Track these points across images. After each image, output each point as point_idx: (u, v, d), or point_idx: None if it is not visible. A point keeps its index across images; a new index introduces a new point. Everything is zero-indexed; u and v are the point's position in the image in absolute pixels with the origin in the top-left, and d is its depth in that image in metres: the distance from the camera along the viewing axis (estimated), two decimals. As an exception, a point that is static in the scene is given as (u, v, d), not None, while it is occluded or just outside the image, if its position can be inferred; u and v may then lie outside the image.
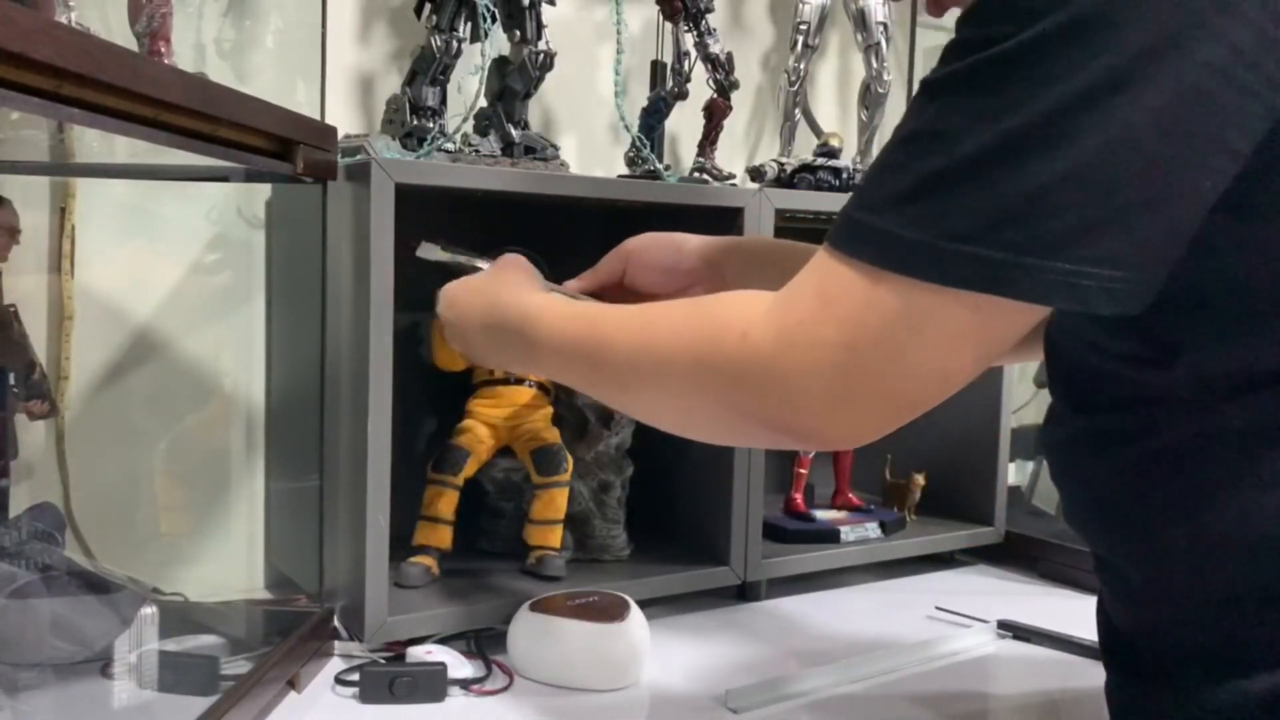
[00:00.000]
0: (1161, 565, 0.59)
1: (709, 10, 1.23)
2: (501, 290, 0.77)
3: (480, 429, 1.13)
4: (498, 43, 1.11)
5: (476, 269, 0.89)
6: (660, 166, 1.22)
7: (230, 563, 1.20)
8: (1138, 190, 0.46)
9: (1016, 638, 1.08)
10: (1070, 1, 0.46)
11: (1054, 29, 0.46)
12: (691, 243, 0.90)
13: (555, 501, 1.12)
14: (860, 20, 1.38)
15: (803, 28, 1.37)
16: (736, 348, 0.54)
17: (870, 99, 1.41)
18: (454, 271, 0.90)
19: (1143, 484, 0.58)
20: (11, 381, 0.99)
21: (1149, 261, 0.48)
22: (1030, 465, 1.53)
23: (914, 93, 0.52)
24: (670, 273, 0.90)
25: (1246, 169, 0.48)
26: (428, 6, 1.10)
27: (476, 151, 1.09)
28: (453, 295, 0.82)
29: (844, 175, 1.28)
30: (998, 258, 0.47)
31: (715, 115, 1.29)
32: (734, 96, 1.28)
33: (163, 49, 0.86)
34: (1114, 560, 0.62)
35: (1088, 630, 1.05)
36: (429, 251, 0.91)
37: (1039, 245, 0.47)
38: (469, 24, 1.10)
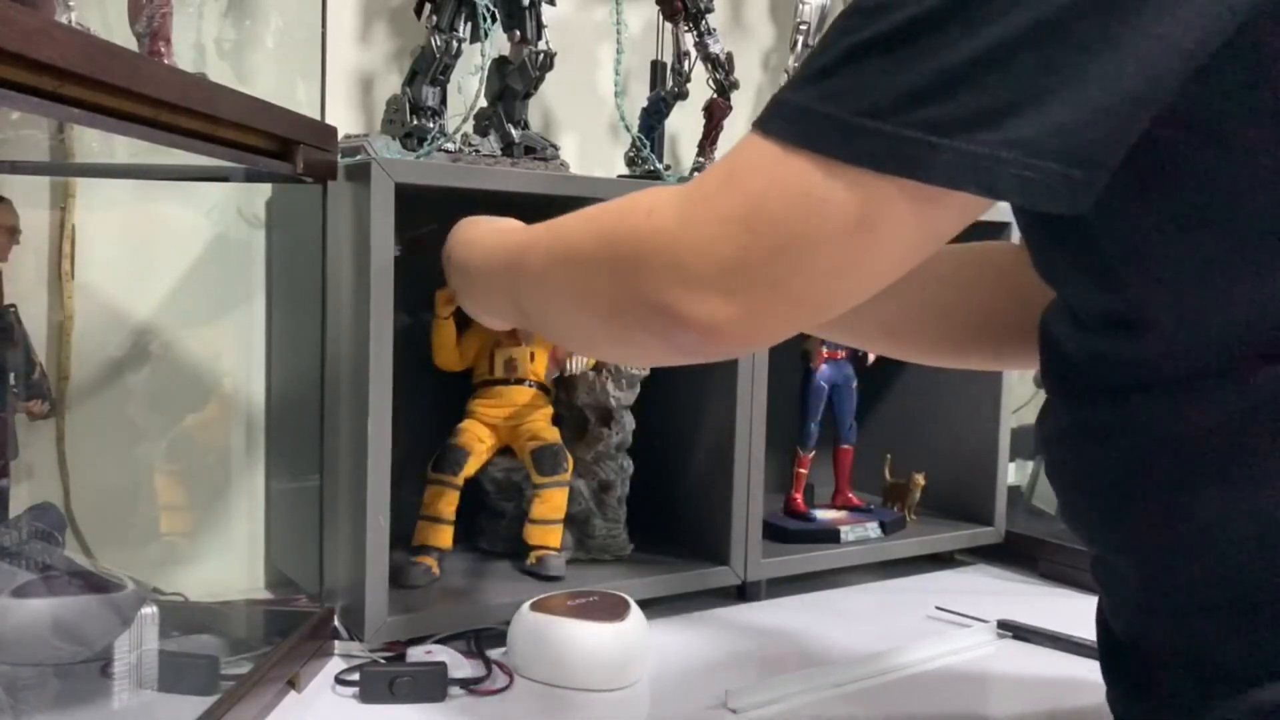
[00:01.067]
0: (1153, 565, 0.56)
1: (709, 10, 1.23)
2: (481, 222, 0.79)
3: (480, 429, 1.13)
4: (498, 43, 1.11)
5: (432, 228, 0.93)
6: (660, 166, 1.22)
7: (230, 563, 1.20)
8: (1052, 71, 0.43)
9: (1016, 638, 1.08)
10: None
11: None
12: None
13: (555, 501, 1.12)
14: (860, 20, 1.38)
15: (803, 28, 1.37)
16: (640, 223, 0.52)
17: (870, 99, 1.41)
18: (431, 248, 0.92)
19: (1130, 477, 0.55)
20: (11, 381, 0.99)
21: (1069, 153, 0.44)
22: (1030, 465, 1.53)
23: None
24: None
25: (1219, 86, 0.44)
26: (428, 6, 1.10)
27: (476, 151, 1.09)
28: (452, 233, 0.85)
29: (844, 175, 1.27)
30: (906, 135, 0.44)
31: (715, 115, 1.29)
32: (734, 96, 1.28)
33: (163, 49, 0.86)
34: (1109, 560, 0.61)
35: (1088, 630, 1.05)
36: (397, 249, 0.93)
37: (949, 124, 0.44)
38: (469, 24, 1.10)
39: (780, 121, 0.48)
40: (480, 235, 0.82)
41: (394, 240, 0.93)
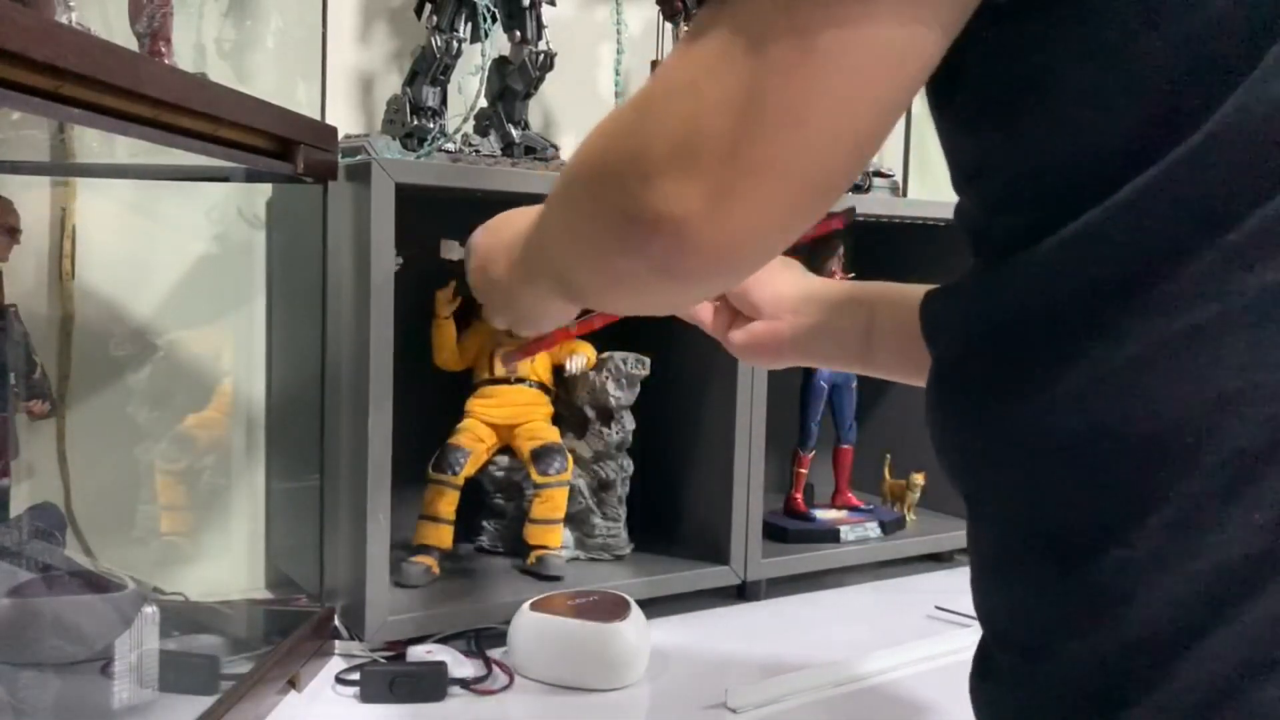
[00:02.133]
0: (982, 499, 0.49)
1: (709, 10, 1.23)
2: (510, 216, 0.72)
3: (480, 428, 1.13)
4: (498, 43, 1.11)
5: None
6: (660, 166, 1.22)
7: (230, 562, 1.20)
8: None
9: (1016, 637, 1.08)
10: None
11: None
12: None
13: (555, 500, 1.12)
14: (860, 20, 1.38)
15: (803, 27, 1.37)
16: (604, 127, 0.47)
17: (870, 99, 1.41)
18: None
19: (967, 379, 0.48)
20: (12, 381, 1.00)
21: None
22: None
23: None
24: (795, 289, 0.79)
25: None
26: (428, 6, 1.10)
27: (477, 151, 1.09)
28: (473, 238, 0.78)
29: (844, 175, 1.27)
30: None
31: (715, 115, 1.29)
32: (734, 96, 1.28)
33: (163, 49, 0.86)
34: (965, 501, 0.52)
35: (1088, 630, 1.05)
36: (450, 250, 0.92)
37: None
38: (469, 24, 1.10)
39: None
40: (503, 233, 0.75)
41: (395, 252, 0.93)
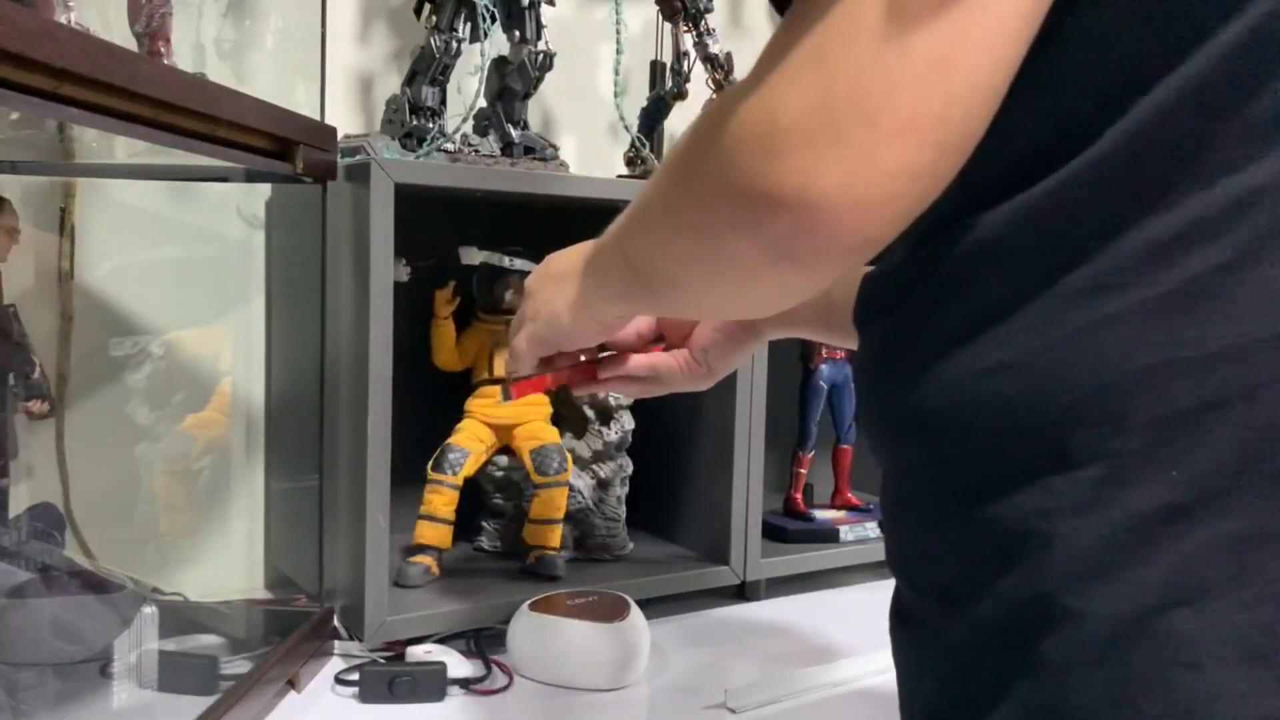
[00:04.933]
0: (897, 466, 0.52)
1: (708, 10, 1.23)
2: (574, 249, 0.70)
3: (479, 428, 1.13)
4: (497, 43, 1.11)
5: (513, 269, 0.89)
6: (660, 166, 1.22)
7: (230, 563, 1.20)
8: None
9: (1016, 637, 1.08)
10: None
11: None
12: None
13: (555, 501, 1.12)
14: (860, 20, 1.38)
15: (802, 28, 1.37)
16: (715, 110, 0.45)
17: (870, 99, 1.41)
18: (492, 272, 0.87)
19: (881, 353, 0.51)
20: (11, 381, 1.00)
21: None
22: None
23: None
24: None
25: None
26: (427, 6, 1.10)
27: (476, 151, 1.09)
28: (532, 276, 0.74)
29: (843, 175, 1.27)
30: None
31: (715, 115, 1.29)
32: (733, 96, 1.28)
33: (163, 49, 0.86)
34: (891, 464, 0.54)
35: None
36: (469, 255, 0.91)
37: None
38: (469, 24, 1.10)
39: None
40: (553, 264, 0.73)
41: (404, 260, 0.93)
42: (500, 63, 1.13)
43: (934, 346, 0.47)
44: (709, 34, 1.23)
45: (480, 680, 0.92)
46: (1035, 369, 0.43)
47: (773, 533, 1.25)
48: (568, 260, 0.70)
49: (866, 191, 0.40)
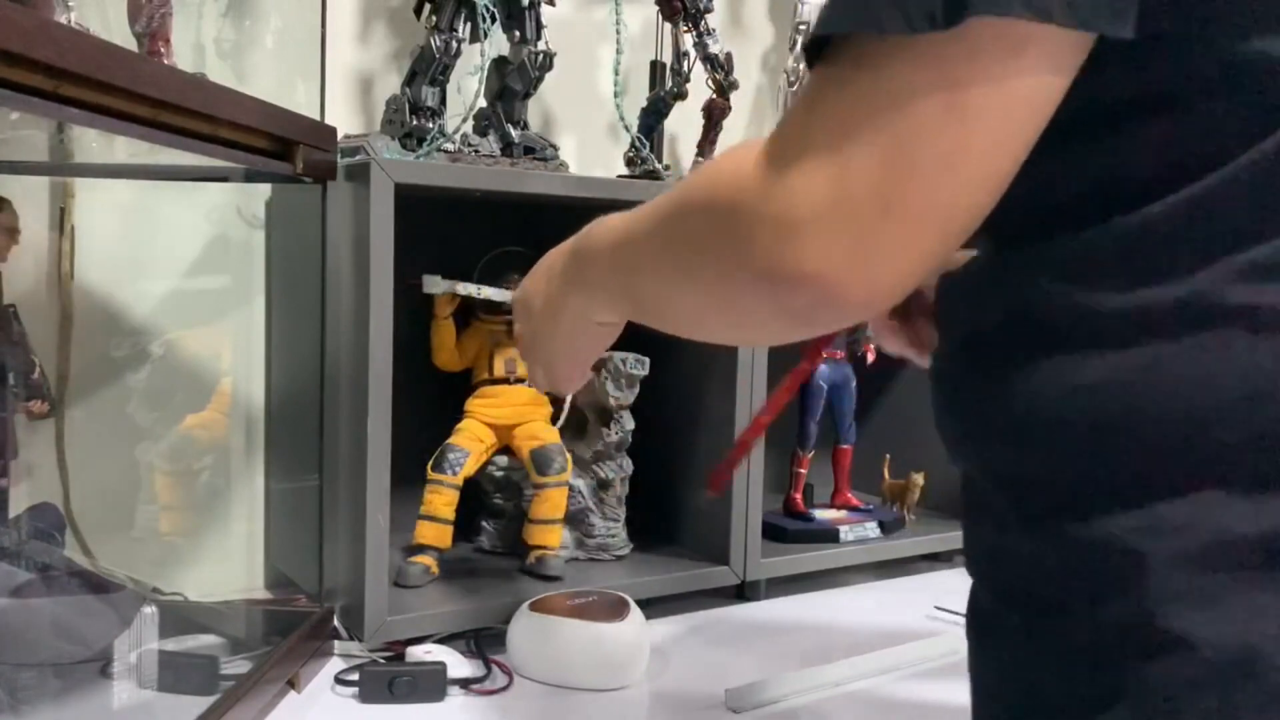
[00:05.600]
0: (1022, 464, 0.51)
1: (708, 10, 1.23)
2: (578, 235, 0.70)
3: (479, 428, 1.13)
4: (497, 43, 1.11)
5: (480, 298, 0.89)
6: (660, 166, 1.22)
7: (230, 563, 1.20)
8: None
9: (1016, 637, 1.08)
10: None
11: None
12: None
13: (554, 501, 1.12)
14: (860, 20, 1.38)
15: (802, 28, 1.37)
16: (728, 188, 0.47)
17: (870, 99, 1.41)
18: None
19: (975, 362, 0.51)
20: (11, 381, 1.00)
21: None
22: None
23: None
24: None
25: None
26: (427, 6, 1.10)
27: (476, 151, 1.09)
28: (524, 283, 0.75)
29: (843, 175, 1.27)
30: None
31: (714, 115, 1.29)
32: (733, 97, 1.28)
33: (162, 49, 0.86)
34: (975, 474, 0.55)
35: (1087, 630, 1.05)
36: (432, 284, 0.91)
37: None
38: (468, 24, 1.10)
39: (828, 26, 0.44)
40: (538, 269, 0.74)
41: (427, 274, 0.92)
42: (500, 63, 1.13)
43: (1027, 357, 0.47)
44: (709, 34, 1.23)
45: (480, 680, 0.92)
46: (1134, 389, 0.44)
47: (773, 533, 1.25)
48: (543, 286, 0.71)
49: (880, 273, 0.44)
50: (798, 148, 0.44)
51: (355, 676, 0.89)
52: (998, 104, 0.42)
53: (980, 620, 0.54)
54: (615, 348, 1.16)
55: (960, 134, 0.42)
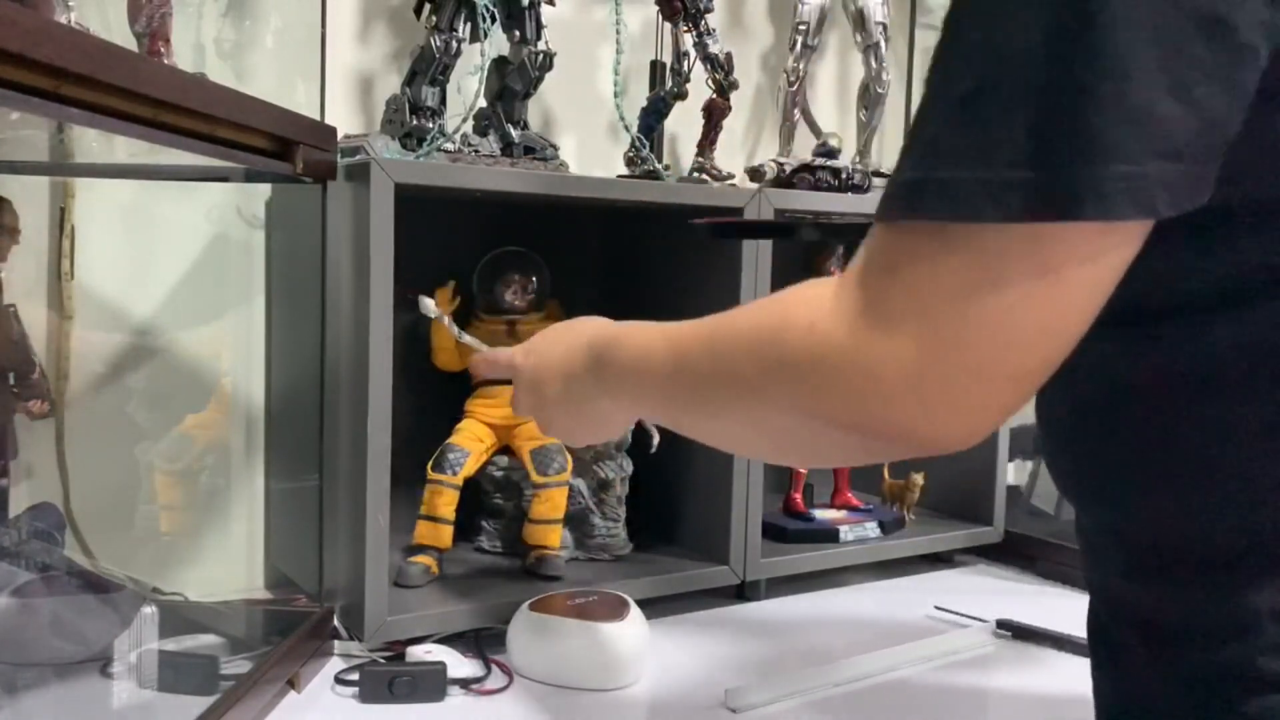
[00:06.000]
0: (1121, 523, 0.55)
1: (708, 10, 1.23)
2: (584, 326, 0.71)
3: (479, 428, 1.13)
4: (497, 43, 1.11)
5: (463, 341, 0.91)
6: (660, 166, 1.22)
7: (230, 563, 1.20)
8: (1175, 78, 0.42)
9: (1016, 637, 1.08)
10: None
11: None
12: None
13: (554, 501, 1.12)
14: (859, 20, 1.38)
15: (802, 28, 1.37)
16: (803, 341, 0.48)
17: (869, 99, 1.41)
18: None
19: (1103, 418, 0.54)
20: (11, 381, 1.00)
21: (1210, 149, 0.43)
22: (1030, 465, 1.53)
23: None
24: None
25: None
26: (427, 6, 1.10)
27: (476, 151, 1.09)
28: (529, 345, 0.76)
29: (843, 175, 1.28)
30: (1057, 178, 0.42)
31: (714, 115, 1.29)
32: (733, 97, 1.28)
33: (162, 49, 0.86)
34: (1083, 519, 0.59)
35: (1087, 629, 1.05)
36: (425, 307, 0.91)
37: (1094, 155, 0.42)
38: (468, 24, 1.10)
39: (916, 202, 0.46)
40: (551, 352, 0.74)
41: (424, 295, 0.93)
42: (500, 63, 1.13)
43: (1171, 427, 0.51)
44: (709, 34, 1.23)
45: (480, 680, 0.92)
46: (1239, 500, 0.49)
47: (772, 533, 1.25)
48: (559, 381, 0.72)
49: (970, 427, 0.46)
50: (883, 310, 0.46)
51: (355, 676, 0.89)
52: (1089, 279, 0.44)
53: (1099, 635, 0.59)
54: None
55: (1054, 309, 0.44)
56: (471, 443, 1.12)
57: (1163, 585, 0.53)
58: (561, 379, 0.71)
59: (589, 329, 0.71)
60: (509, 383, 1.16)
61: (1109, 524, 0.57)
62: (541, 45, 1.12)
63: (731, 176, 1.29)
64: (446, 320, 0.93)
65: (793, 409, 0.49)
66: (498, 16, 1.09)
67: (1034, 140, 0.43)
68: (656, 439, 0.96)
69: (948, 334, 0.44)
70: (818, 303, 0.49)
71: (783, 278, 0.88)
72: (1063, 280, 0.44)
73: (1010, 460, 1.39)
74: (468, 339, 0.91)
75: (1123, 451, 0.53)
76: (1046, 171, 0.42)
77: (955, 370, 0.45)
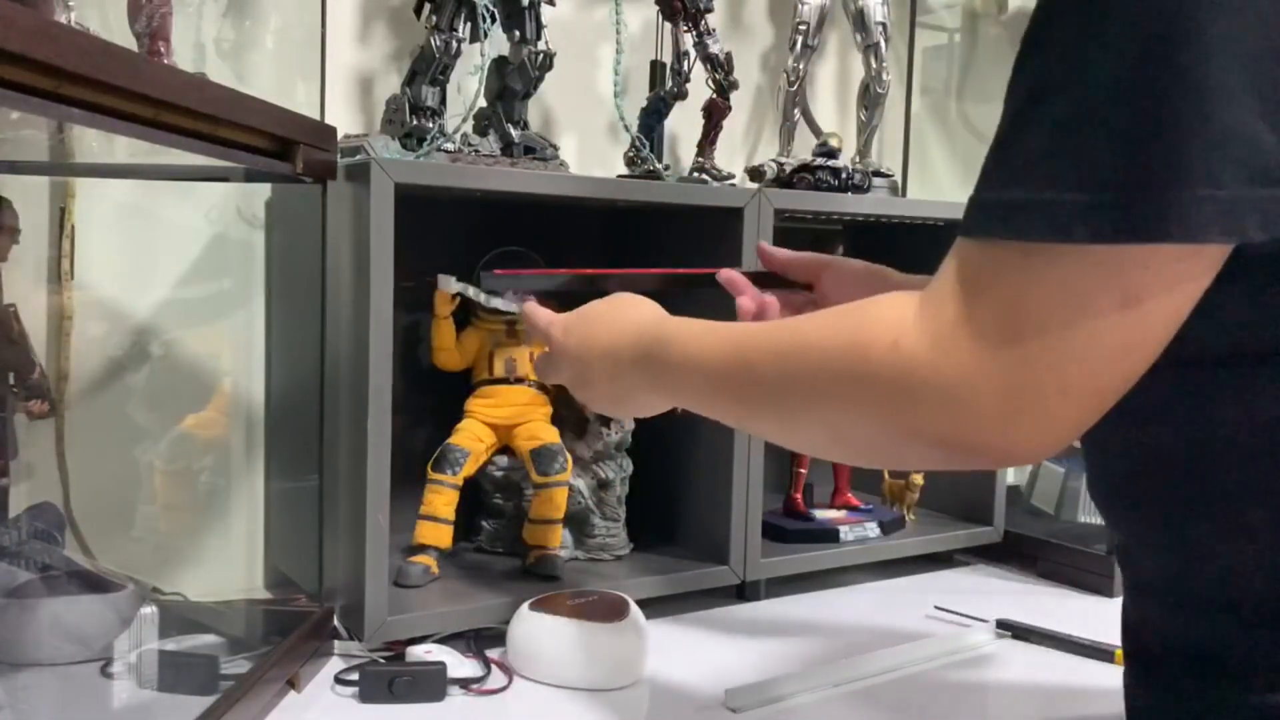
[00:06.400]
0: (1184, 562, 0.56)
1: (708, 10, 1.23)
2: (630, 312, 0.71)
3: (479, 428, 1.13)
4: (497, 43, 1.11)
5: (490, 306, 0.90)
6: (660, 166, 1.22)
7: (230, 563, 1.20)
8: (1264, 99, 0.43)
9: (1016, 637, 1.08)
10: None
11: None
12: (896, 277, 0.84)
13: (555, 500, 1.12)
14: (859, 20, 1.38)
15: (802, 28, 1.37)
16: (888, 358, 0.49)
17: (869, 99, 1.41)
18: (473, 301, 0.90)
19: (1178, 462, 0.54)
20: (11, 381, 1.00)
21: None
22: (1029, 465, 1.53)
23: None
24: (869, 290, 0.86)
25: None
26: (427, 6, 1.10)
27: (476, 151, 1.09)
28: (570, 322, 0.75)
29: (843, 175, 1.28)
30: (1147, 200, 0.43)
31: (714, 115, 1.29)
32: (733, 96, 1.28)
33: (162, 49, 0.86)
34: (1133, 547, 0.60)
35: (1087, 629, 1.05)
36: (446, 284, 0.91)
37: (1187, 178, 0.43)
38: (468, 24, 1.10)
39: (1004, 223, 0.47)
40: (596, 338, 0.73)
41: (442, 274, 0.93)
42: (500, 63, 1.13)
43: (1236, 480, 0.53)
44: (709, 34, 1.23)
45: (480, 680, 0.92)
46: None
47: (772, 533, 1.25)
48: (605, 370, 0.72)
49: (1050, 440, 0.48)
50: (971, 329, 0.47)
51: (355, 676, 0.89)
52: (1170, 304, 0.46)
53: (1137, 655, 0.61)
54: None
55: (1137, 331, 0.46)
56: (471, 443, 1.12)
57: (1229, 625, 0.53)
58: (605, 366, 0.72)
59: (635, 316, 0.71)
60: (510, 382, 1.17)
61: (1168, 566, 0.57)
62: (541, 45, 1.12)
63: (731, 176, 1.29)
64: (471, 290, 0.92)
65: (876, 421, 0.51)
66: (498, 16, 1.09)
67: (1126, 163, 0.44)
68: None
69: (1037, 354, 0.46)
70: (899, 321, 0.50)
71: (783, 278, 0.89)
72: (1144, 304, 0.45)
73: (1010, 460, 1.39)
74: (496, 302, 0.91)
75: (1206, 498, 0.54)
76: (1137, 194, 0.43)
77: (1043, 388, 0.46)
